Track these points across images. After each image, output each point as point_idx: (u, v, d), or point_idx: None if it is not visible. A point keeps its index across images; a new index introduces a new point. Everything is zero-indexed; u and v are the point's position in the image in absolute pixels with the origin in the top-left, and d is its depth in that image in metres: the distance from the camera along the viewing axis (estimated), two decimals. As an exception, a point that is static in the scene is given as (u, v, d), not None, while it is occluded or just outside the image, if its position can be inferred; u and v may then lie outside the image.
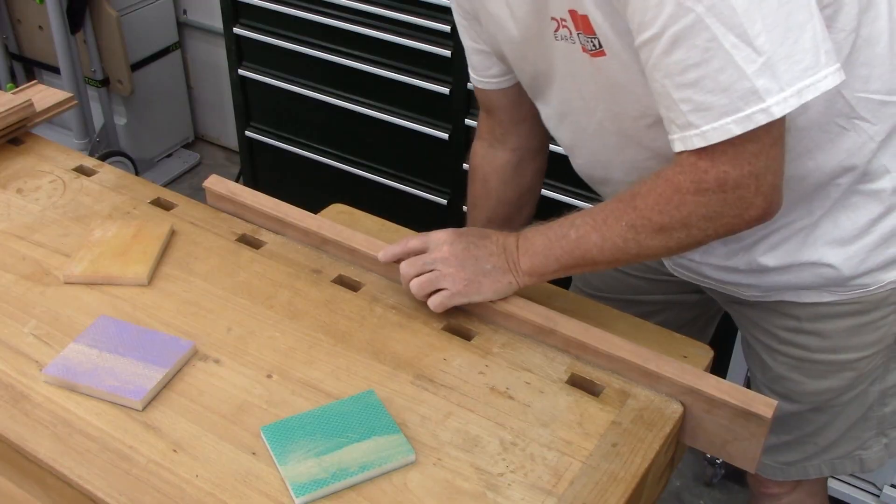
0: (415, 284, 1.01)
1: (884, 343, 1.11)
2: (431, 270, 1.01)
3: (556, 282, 1.09)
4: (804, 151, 0.97)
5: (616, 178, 1.07)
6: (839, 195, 1.01)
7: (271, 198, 1.17)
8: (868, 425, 1.19)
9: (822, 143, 0.97)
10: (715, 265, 1.10)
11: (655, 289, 1.27)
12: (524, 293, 1.02)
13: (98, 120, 2.77)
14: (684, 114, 0.84)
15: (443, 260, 1.01)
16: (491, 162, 1.23)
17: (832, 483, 1.84)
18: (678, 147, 0.87)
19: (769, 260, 1.06)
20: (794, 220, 1.03)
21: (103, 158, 2.58)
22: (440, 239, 1.02)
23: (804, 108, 0.84)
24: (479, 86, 1.18)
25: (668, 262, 1.17)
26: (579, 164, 1.13)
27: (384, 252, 1.05)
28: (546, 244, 0.98)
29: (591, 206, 1.01)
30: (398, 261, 1.03)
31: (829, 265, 1.04)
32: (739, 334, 1.33)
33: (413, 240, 1.03)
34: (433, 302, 1.00)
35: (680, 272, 1.16)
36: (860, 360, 1.11)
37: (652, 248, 0.93)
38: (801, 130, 0.95)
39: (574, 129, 1.07)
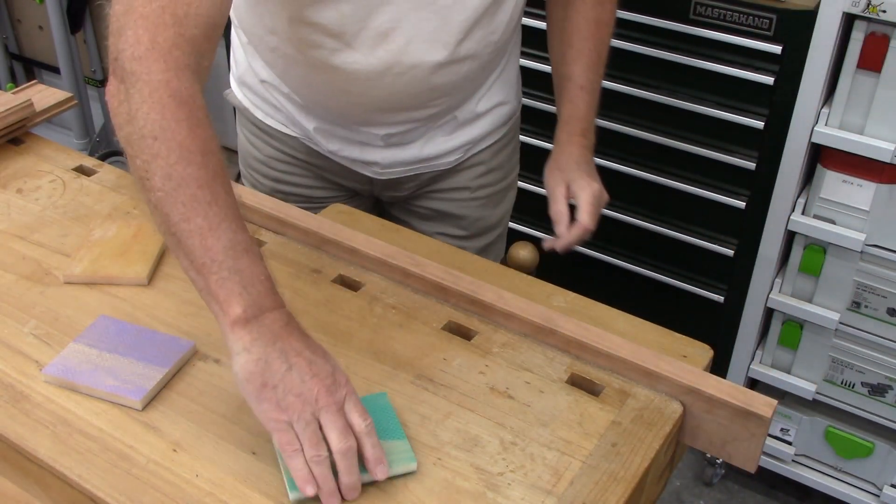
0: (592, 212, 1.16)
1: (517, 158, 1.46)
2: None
3: (555, 282, 1.09)
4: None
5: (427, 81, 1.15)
6: (514, 44, 1.28)
7: (271, 198, 1.17)
8: None
9: None
10: (439, 126, 1.26)
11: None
12: (524, 293, 1.03)
13: (98, 120, 2.78)
14: None
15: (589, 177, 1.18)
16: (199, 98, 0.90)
17: (831, 483, 1.84)
18: None
19: (482, 105, 1.27)
20: (498, 66, 1.25)
21: (103, 158, 2.58)
22: (566, 173, 1.19)
23: None
24: None
25: (377, 169, 1.29)
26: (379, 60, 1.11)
27: (563, 230, 1.17)
28: (587, 104, 1.22)
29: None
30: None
31: (507, 102, 1.31)
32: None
33: (559, 197, 1.18)
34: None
35: (389, 173, 1.29)
36: (516, 179, 1.45)
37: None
38: None
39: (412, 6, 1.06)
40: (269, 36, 1.14)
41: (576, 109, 1.20)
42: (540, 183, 1.95)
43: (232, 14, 1.19)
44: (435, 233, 1.38)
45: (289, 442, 0.78)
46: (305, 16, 1.05)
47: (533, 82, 1.83)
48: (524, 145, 1.88)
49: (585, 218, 1.14)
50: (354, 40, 1.08)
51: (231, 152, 3.08)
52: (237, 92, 1.32)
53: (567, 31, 1.22)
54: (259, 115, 1.30)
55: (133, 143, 0.83)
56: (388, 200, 1.39)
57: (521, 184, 1.93)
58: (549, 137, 1.90)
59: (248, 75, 1.27)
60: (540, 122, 1.84)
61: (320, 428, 0.78)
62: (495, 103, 1.29)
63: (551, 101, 1.89)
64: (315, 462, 0.77)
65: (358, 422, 0.79)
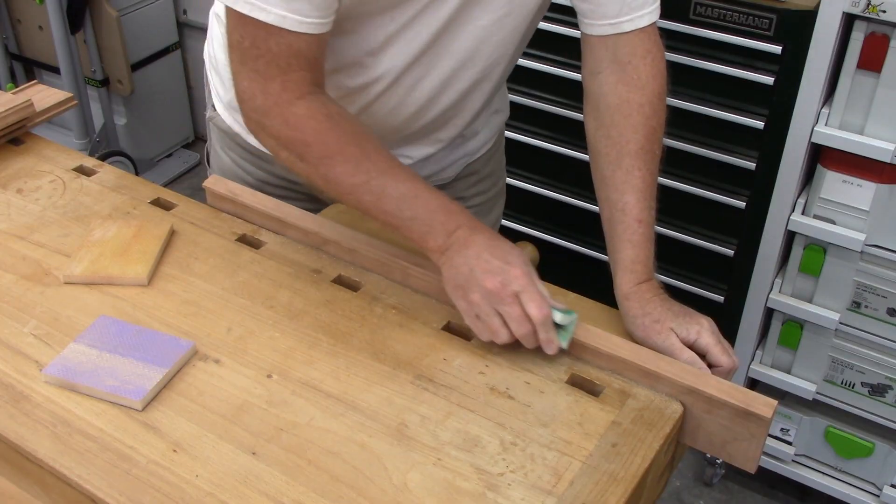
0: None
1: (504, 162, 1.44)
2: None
3: (555, 282, 1.09)
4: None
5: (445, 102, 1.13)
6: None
7: (271, 198, 1.17)
8: None
9: None
10: (446, 141, 1.23)
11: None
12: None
13: (98, 120, 2.78)
14: None
15: (687, 315, 0.99)
16: (340, 108, 1.04)
17: (831, 483, 1.84)
18: (646, 21, 1.05)
19: (482, 118, 1.26)
20: (502, 82, 1.23)
21: (103, 158, 2.58)
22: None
23: None
24: (319, 29, 0.96)
25: None
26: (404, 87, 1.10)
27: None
28: (647, 240, 1.06)
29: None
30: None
31: (501, 111, 1.33)
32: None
33: (680, 350, 0.97)
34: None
35: None
36: (504, 186, 1.44)
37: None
38: None
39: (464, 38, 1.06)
40: None
41: (638, 252, 1.04)
42: (540, 182, 1.96)
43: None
44: None
45: (479, 330, 0.95)
46: (360, 60, 1.06)
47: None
48: (526, 146, 1.88)
49: (727, 360, 0.96)
50: (391, 82, 1.09)
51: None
52: (225, 116, 1.28)
53: (613, 144, 1.07)
54: (252, 140, 1.23)
55: (295, 163, 1.00)
56: None
57: (521, 184, 1.94)
58: (549, 138, 1.88)
59: None
60: (545, 124, 1.84)
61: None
62: (492, 112, 1.29)
63: (548, 101, 1.88)
64: (498, 340, 0.95)
65: (534, 312, 0.92)
